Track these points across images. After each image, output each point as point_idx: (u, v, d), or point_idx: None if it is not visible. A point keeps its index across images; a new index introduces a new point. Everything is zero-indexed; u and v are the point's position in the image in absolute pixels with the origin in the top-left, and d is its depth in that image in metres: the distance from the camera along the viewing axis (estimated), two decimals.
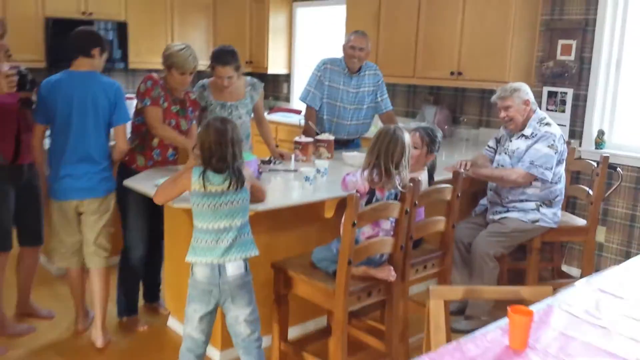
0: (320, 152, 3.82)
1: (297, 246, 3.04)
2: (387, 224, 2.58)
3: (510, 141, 3.47)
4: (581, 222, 3.59)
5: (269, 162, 3.48)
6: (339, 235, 2.59)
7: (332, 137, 3.85)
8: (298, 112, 6.33)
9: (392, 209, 2.51)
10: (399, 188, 2.50)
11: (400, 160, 2.48)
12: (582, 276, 3.65)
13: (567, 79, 4.25)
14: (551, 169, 3.28)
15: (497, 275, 3.36)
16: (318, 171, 3.11)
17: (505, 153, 3.47)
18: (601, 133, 4.12)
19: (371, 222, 2.50)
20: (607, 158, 3.48)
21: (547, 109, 4.31)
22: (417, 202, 2.63)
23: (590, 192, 3.55)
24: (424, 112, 5.10)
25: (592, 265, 3.59)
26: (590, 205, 3.52)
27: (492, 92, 4.82)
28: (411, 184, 2.54)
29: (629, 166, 3.94)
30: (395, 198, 2.54)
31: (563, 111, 4.24)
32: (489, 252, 3.31)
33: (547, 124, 3.35)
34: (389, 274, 2.56)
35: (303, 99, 4.15)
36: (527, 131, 3.38)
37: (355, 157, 3.59)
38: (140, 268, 3.37)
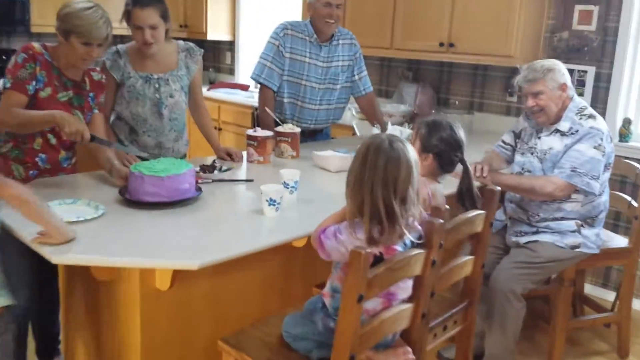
0: (282, 149, 2.84)
1: (255, 300, 2.10)
2: (401, 287, 1.64)
3: (539, 138, 2.59)
4: (621, 240, 2.80)
5: (212, 167, 2.47)
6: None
7: (297, 130, 2.86)
8: (245, 87, 5.30)
9: (415, 263, 1.58)
10: (410, 236, 1.56)
11: (407, 192, 1.53)
12: (618, 304, 2.87)
13: (586, 54, 3.41)
14: (598, 177, 2.44)
15: (523, 317, 2.52)
16: (286, 186, 2.14)
17: (532, 154, 2.60)
18: (627, 122, 3.33)
19: (385, 289, 1.55)
20: None
21: None
22: (442, 243, 1.71)
23: (634, 203, 2.75)
24: (402, 91, 4.18)
25: (631, 291, 2.82)
26: (635, 220, 2.72)
27: (486, 67, 4.01)
28: (432, 220, 1.61)
29: None
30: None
31: (581, 94, 3.41)
32: (515, 289, 2.45)
33: (591, 116, 2.49)
34: (405, 359, 1.65)
35: (256, 76, 3.13)
36: (564, 126, 2.51)
37: (331, 160, 2.63)
38: (27, 318, 2.35)
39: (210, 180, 2.32)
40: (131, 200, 1.98)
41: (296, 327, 1.72)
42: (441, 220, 1.64)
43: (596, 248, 2.55)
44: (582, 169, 2.41)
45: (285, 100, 3.16)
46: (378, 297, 1.56)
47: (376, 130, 2.96)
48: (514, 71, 3.78)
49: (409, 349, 1.68)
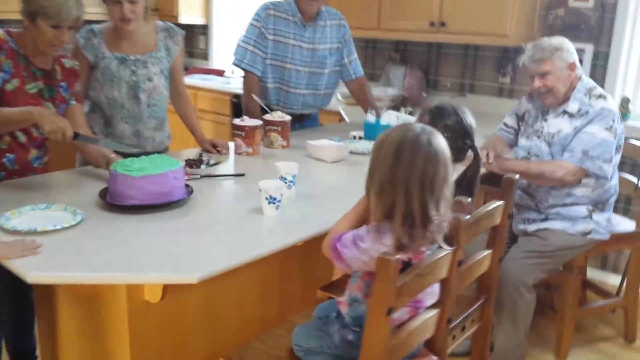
0: (271, 139, 2.64)
1: (253, 305, 1.91)
2: (428, 293, 1.47)
3: (545, 120, 2.45)
4: (628, 224, 2.68)
5: (199, 162, 2.26)
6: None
7: (287, 118, 2.67)
8: (220, 72, 5.07)
9: (442, 266, 1.42)
10: (441, 240, 1.39)
11: (442, 192, 1.34)
12: (624, 289, 2.77)
13: (582, 31, 3.28)
14: (610, 160, 2.31)
15: (533, 309, 2.40)
16: (284, 180, 1.95)
17: (538, 137, 2.46)
18: (626, 101, 3.22)
19: (413, 297, 1.38)
20: None
21: None
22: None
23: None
24: (389, 73, 4.00)
25: (639, 276, 2.72)
26: None
27: (477, 47, 3.85)
28: (458, 217, 1.45)
29: None
30: None
31: None
32: (527, 280, 2.32)
33: (601, 96, 2.36)
34: None
35: (239, 62, 2.92)
36: (572, 107, 2.37)
37: (327, 150, 2.44)
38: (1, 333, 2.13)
39: (198, 176, 2.11)
40: (112, 204, 1.76)
41: (309, 340, 1.55)
42: (467, 216, 1.48)
43: (607, 233, 2.43)
44: (594, 152, 2.28)
45: (270, 85, 2.96)
46: (405, 306, 1.39)
47: (371, 117, 2.79)
48: (506, 51, 3.66)
49: (435, 358, 1.52)
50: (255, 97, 2.80)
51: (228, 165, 2.37)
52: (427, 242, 1.33)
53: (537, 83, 2.38)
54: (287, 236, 1.63)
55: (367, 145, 2.65)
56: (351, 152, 2.53)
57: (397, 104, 3.67)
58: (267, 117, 2.64)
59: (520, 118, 2.62)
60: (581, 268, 2.52)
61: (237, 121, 2.52)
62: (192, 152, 2.48)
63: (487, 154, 2.36)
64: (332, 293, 1.95)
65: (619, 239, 2.56)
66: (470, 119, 1.84)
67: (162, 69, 2.39)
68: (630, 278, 2.72)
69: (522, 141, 2.55)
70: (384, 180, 1.30)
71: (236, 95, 4.42)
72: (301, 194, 1.99)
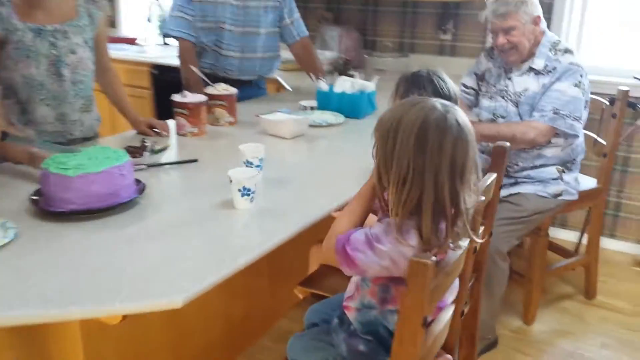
0: (216, 115, 2.35)
1: (218, 309, 1.67)
2: (449, 290, 1.29)
3: (509, 79, 2.33)
4: (589, 180, 2.65)
5: (142, 149, 1.94)
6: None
7: (233, 90, 2.37)
8: (131, 41, 4.61)
9: (462, 259, 1.24)
10: (470, 232, 1.18)
11: (470, 178, 1.14)
12: (586, 247, 2.77)
13: None
14: (580, 118, 2.23)
15: (507, 277, 2.31)
16: (249, 165, 1.69)
17: (503, 97, 2.34)
18: None
19: (440, 299, 1.20)
20: (626, 93, 2.52)
21: None
22: None
23: (600, 139, 2.61)
24: (324, 35, 3.75)
25: (599, 233, 2.72)
26: (604, 157, 2.58)
27: (416, 4, 3.66)
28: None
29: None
30: None
31: None
32: (501, 248, 2.23)
33: (567, 50, 2.26)
34: None
35: (170, 30, 2.70)
36: (538, 63, 2.26)
37: (286, 125, 2.19)
38: None
39: (144, 167, 1.80)
40: (48, 211, 1.44)
41: (308, 353, 1.34)
42: (482, 198, 1.31)
43: (576, 193, 2.38)
44: (565, 110, 2.19)
45: (203, 51, 2.68)
46: None
47: (323, 84, 2.55)
48: (445, 7, 3.52)
49: (450, 357, 1.37)
50: (194, 69, 2.48)
51: (174, 151, 2.06)
52: (457, 237, 1.14)
53: (501, 39, 2.24)
54: (271, 234, 1.39)
55: (324, 117, 2.42)
56: (310, 125, 2.29)
57: (337, 68, 3.45)
58: (210, 90, 2.33)
59: (480, 78, 2.48)
60: (546, 230, 2.46)
61: (177, 97, 2.20)
62: (130, 137, 2.15)
63: None
64: (314, 288, 1.75)
65: (583, 197, 2.51)
66: (451, 86, 1.65)
67: (86, 38, 2.01)
68: (591, 235, 2.72)
69: (484, 102, 2.42)
70: (408, 169, 1.09)
71: (155, 66, 4.03)
72: (268, 179, 1.74)
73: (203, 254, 1.29)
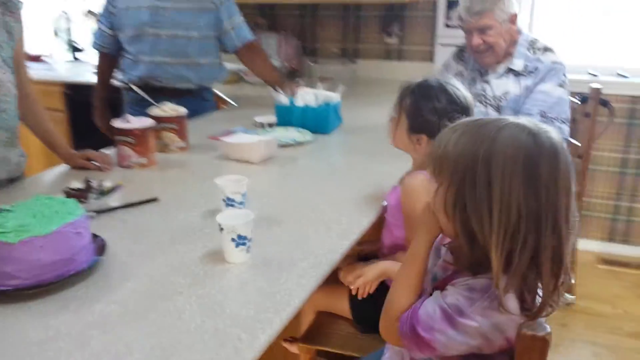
0: (165, 140, 2.00)
1: None
2: None
3: (486, 82, 2.16)
4: None
5: (86, 190, 1.57)
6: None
7: (182, 110, 2.03)
8: (36, 58, 4.11)
9: None
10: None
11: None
12: None
13: None
14: (568, 120, 2.10)
15: None
16: (231, 204, 1.38)
17: (481, 102, 2.17)
18: None
19: None
20: (597, 91, 2.43)
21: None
22: None
23: (574, 141, 2.50)
24: (261, 43, 3.46)
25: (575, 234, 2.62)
26: (578, 159, 2.48)
27: (359, 7, 3.43)
28: None
29: None
30: None
31: None
32: None
33: (547, 49, 2.13)
34: None
35: (94, 44, 2.36)
36: (517, 64, 2.11)
37: (253, 148, 1.88)
38: None
39: (94, 214, 1.44)
40: None
41: None
42: None
43: None
44: (552, 112, 2.05)
45: (134, 61, 2.38)
46: None
47: (282, 97, 2.26)
48: (389, 8, 3.33)
49: None
50: (136, 88, 2.14)
51: (124, 188, 1.69)
52: (559, 295, 0.90)
53: (476, 40, 2.07)
54: (286, 294, 1.09)
55: (290, 134, 2.14)
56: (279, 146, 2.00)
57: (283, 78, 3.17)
58: (156, 112, 1.98)
59: None
60: None
61: (119, 123, 1.84)
62: (64, 175, 1.76)
63: None
64: (320, 345, 1.47)
65: None
66: (467, 94, 1.44)
67: (5, 57, 1.61)
68: None
69: None
70: (519, 216, 0.85)
71: (69, 86, 3.58)
72: (254, 218, 1.43)
73: (203, 338, 0.97)
